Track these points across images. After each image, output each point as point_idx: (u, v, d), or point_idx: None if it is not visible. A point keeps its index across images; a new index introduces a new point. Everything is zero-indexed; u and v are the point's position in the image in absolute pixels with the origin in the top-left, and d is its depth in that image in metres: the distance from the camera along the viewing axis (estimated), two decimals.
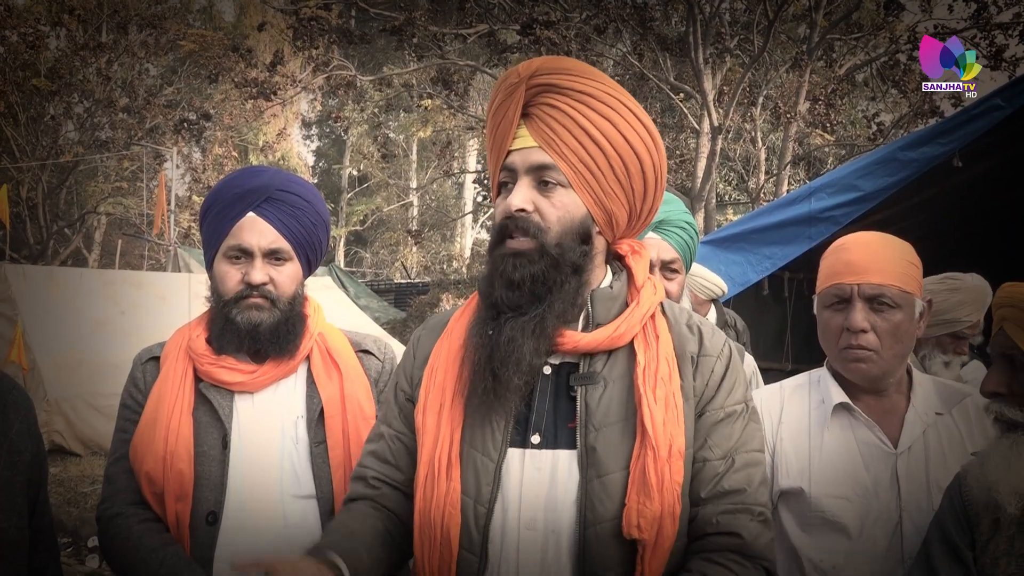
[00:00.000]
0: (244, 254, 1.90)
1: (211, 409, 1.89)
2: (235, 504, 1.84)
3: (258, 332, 1.88)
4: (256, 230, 1.90)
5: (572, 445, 1.41)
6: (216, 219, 1.93)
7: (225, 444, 1.87)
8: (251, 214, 1.91)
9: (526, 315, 1.41)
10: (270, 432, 1.90)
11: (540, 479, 1.41)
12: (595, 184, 1.45)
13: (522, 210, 1.43)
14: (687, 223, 2.36)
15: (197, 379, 1.91)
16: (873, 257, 1.85)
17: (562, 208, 1.44)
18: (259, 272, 1.89)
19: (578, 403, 1.42)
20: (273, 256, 1.91)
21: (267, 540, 1.84)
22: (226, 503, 1.84)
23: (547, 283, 1.42)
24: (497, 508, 1.41)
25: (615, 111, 1.45)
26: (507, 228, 1.44)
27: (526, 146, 1.46)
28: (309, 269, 2.02)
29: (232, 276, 1.90)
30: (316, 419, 1.91)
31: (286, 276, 1.93)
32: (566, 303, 1.43)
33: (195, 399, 1.89)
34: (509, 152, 1.47)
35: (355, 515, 1.54)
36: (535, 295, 1.42)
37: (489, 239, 1.51)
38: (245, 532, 1.83)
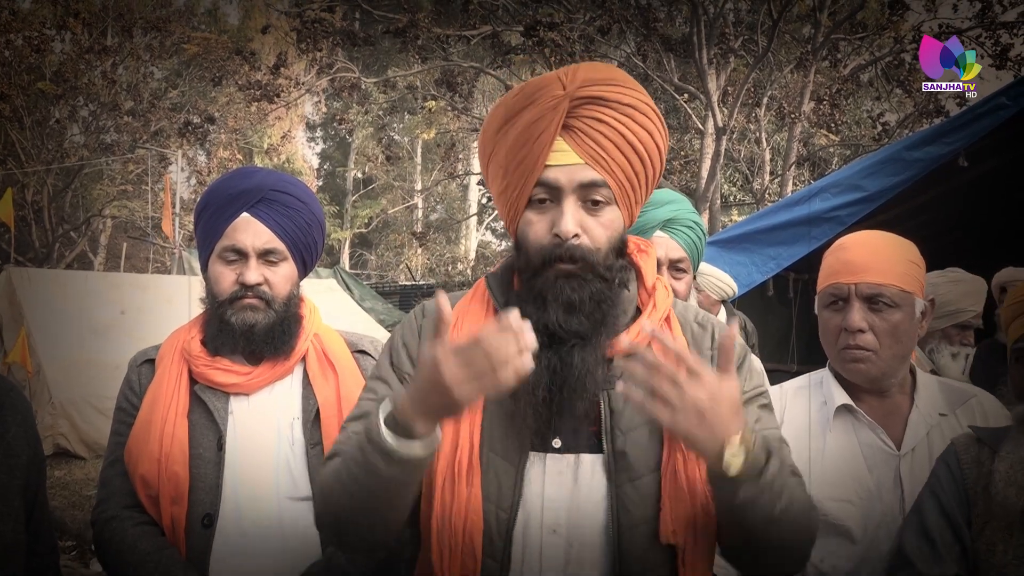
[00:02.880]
0: (238, 255, 1.90)
1: (206, 411, 1.88)
2: (231, 507, 1.83)
3: (253, 333, 1.87)
4: (250, 231, 1.89)
5: (593, 449, 1.39)
6: (210, 220, 1.92)
7: (220, 446, 1.85)
8: (245, 214, 1.90)
9: (589, 343, 1.37)
10: (266, 434, 1.88)
11: (563, 483, 1.39)
12: (632, 197, 1.42)
13: (575, 235, 1.37)
14: (695, 222, 2.35)
15: (192, 381, 1.91)
16: (871, 256, 1.83)
17: (609, 227, 1.40)
18: (253, 272, 1.88)
19: (601, 407, 1.40)
20: (268, 256, 1.91)
21: (264, 543, 1.82)
22: (222, 506, 1.82)
23: (603, 303, 1.38)
24: (520, 513, 1.38)
25: (650, 119, 1.41)
26: (554, 254, 1.37)
27: (570, 163, 1.37)
28: (304, 270, 2.01)
29: (226, 277, 1.89)
30: (312, 420, 1.90)
31: (281, 276, 1.92)
32: (616, 320, 1.40)
33: (190, 401, 1.88)
34: (547, 167, 1.38)
35: None
36: (592, 319, 1.37)
37: (524, 259, 1.42)
38: (241, 535, 1.82)
